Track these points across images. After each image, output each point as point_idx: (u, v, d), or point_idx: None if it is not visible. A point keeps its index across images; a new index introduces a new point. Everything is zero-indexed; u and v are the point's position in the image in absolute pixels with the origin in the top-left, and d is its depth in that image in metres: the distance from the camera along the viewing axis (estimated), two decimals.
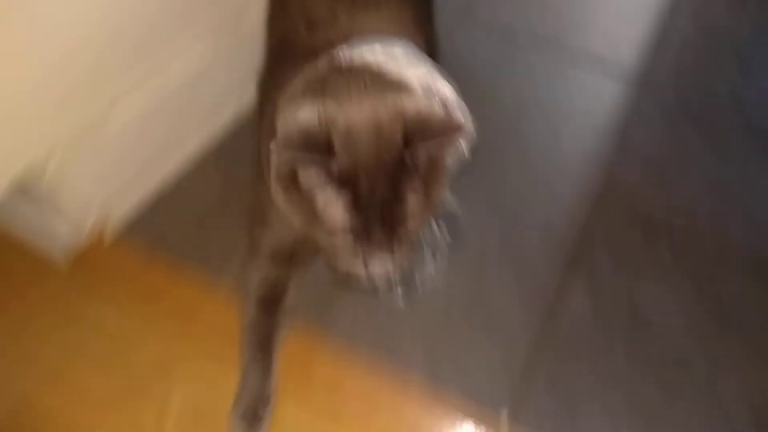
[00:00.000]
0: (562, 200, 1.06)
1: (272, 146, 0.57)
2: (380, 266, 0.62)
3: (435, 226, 0.86)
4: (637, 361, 0.87)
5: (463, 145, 0.61)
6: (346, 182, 0.57)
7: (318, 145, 0.57)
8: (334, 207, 0.59)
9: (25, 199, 0.85)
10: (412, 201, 0.59)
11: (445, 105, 0.63)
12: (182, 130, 1.01)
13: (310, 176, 0.58)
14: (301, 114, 0.60)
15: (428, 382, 0.82)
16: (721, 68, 1.31)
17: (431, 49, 0.80)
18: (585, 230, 1.01)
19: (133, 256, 0.92)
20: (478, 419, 0.79)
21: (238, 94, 1.04)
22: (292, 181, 0.60)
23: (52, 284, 0.89)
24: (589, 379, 0.85)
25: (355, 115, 0.59)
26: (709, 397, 0.84)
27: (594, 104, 1.23)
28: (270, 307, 0.79)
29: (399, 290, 0.78)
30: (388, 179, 0.58)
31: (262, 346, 0.77)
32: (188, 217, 0.96)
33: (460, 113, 0.65)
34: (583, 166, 1.12)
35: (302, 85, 0.64)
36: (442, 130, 0.58)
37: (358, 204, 0.58)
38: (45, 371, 0.81)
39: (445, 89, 0.66)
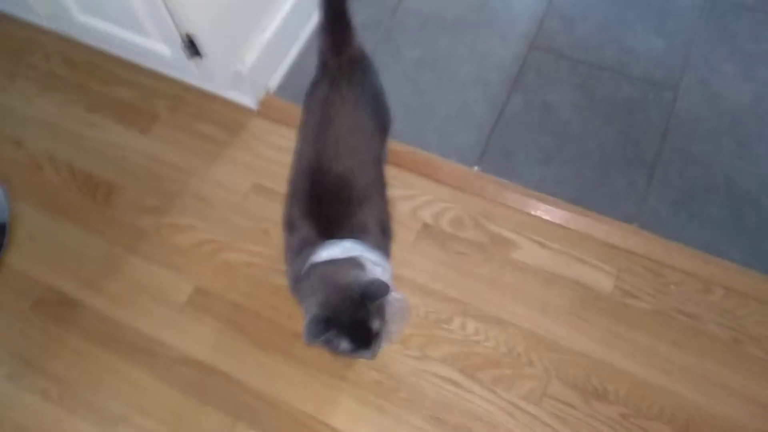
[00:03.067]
0: (511, 45, 1.85)
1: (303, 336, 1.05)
2: (368, 356, 1.13)
3: (397, 306, 1.23)
4: (546, 132, 1.72)
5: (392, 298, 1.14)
6: (345, 334, 1.07)
7: (325, 327, 1.05)
8: (344, 345, 1.09)
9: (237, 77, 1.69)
10: (375, 324, 1.08)
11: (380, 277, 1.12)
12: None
13: (329, 340, 1.08)
14: (308, 312, 1.09)
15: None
16: None
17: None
18: (524, 63, 1.82)
19: (287, 104, 1.78)
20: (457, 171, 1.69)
21: None
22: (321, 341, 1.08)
23: (254, 121, 1.77)
24: (520, 142, 1.71)
25: (334, 295, 1.08)
26: (581, 146, 1.71)
27: None
28: None
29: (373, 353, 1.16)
30: (363, 325, 1.08)
31: None
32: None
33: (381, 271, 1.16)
34: (525, 22, 1.89)
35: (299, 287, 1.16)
36: (382, 292, 1.06)
37: (353, 340, 1.08)
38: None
39: (378, 267, 1.16)
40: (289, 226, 1.25)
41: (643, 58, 1.79)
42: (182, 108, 1.79)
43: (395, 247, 1.39)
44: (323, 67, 1.30)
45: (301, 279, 1.17)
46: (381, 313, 1.10)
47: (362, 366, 1.43)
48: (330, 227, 1.18)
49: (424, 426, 1.38)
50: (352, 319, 1.07)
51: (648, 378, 1.40)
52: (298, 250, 1.20)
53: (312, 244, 1.17)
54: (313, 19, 1.80)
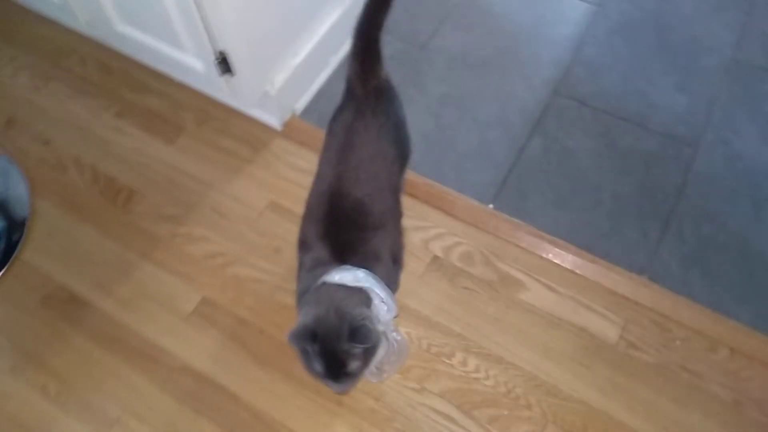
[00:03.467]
0: (535, 89, 1.88)
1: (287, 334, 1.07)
2: (338, 389, 1.13)
3: (395, 347, 1.25)
4: (563, 177, 1.74)
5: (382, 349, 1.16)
6: (322, 356, 1.07)
7: (309, 337, 1.06)
8: (319, 367, 1.08)
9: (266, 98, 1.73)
10: (352, 365, 1.07)
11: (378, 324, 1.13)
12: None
13: (306, 352, 1.09)
14: (302, 317, 1.10)
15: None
16: None
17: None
18: (546, 107, 1.85)
19: (311, 128, 1.81)
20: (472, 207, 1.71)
21: None
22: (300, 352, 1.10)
23: (277, 141, 1.80)
24: (536, 185, 1.72)
25: (330, 316, 1.08)
26: (597, 194, 1.71)
27: (563, 22, 2.00)
28: None
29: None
30: (341, 354, 1.07)
31: None
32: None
33: (388, 327, 1.18)
34: (551, 68, 1.93)
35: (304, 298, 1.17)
36: (370, 342, 1.07)
37: (327, 366, 1.07)
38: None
39: (384, 306, 1.15)
40: (304, 245, 1.27)
41: (665, 112, 1.80)
42: (208, 122, 1.83)
43: (403, 277, 1.40)
44: (349, 94, 1.32)
45: (305, 292, 1.18)
46: (366, 357, 1.10)
47: (359, 393, 1.43)
48: (344, 251, 1.20)
49: None
50: (331, 348, 1.07)
51: None
52: (311, 267, 1.22)
53: (325, 264, 1.19)
54: (344, 47, 1.85)
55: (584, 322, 1.51)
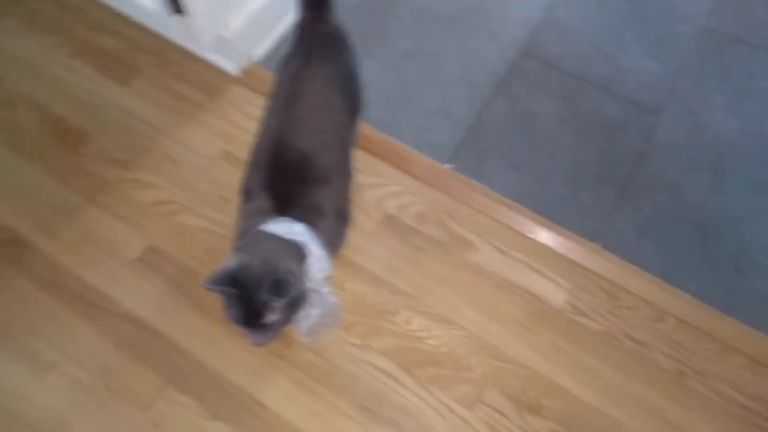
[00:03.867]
0: (502, 49, 1.84)
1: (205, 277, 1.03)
2: (253, 339, 1.11)
3: (327, 307, 1.21)
4: (523, 139, 1.70)
5: (316, 309, 1.15)
6: (240, 303, 1.04)
7: (229, 282, 1.03)
8: (236, 313, 1.06)
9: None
10: (270, 317, 1.05)
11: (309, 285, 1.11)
12: None
13: (225, 294, 1.06)
14: (226, 261, 1.07)
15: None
16: None
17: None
18: (512, 67, 1.80)
19: (270, 76, 1.76)
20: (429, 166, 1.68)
21: None
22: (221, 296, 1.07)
23: (234, 88, 1.75)
24: (495, 146, 1.69)
25: (255, 264, 1.05)
26: (556, 158, 1.69)
27: None
28: None
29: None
30: (259, 303, 1.04)
31: None
32: None
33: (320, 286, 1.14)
34: (519, 28, 1.88)
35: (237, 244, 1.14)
36: (293, 299, 1.05)
37: (244, 314, 1.05)
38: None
39: (317, 267, 1.13)
40: (247, 194, 1.23)
41: (632, 78, 1.77)
42: (164, 66, 1.77)
43: (354, 233, 1.38)
44: (299, 40, 1.28)
45: (240, 238, 1.16)
46: (286, 312, 1.08)
47: (300, 347, 1.42)
48: (286, 202, 1.17)
49: (353, 414, 1.36)
50: (250, 295, 1.04)
51: (585, 398, 1.39)
52: (251, 215, 1.19)
53: (265, 214, 1.16)
54: None
55: (532, 286, 1.50)
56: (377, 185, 1.61)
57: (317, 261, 1.14)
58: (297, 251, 1.12)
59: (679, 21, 1.87)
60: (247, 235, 1.14)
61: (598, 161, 1.65)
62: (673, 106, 1.73)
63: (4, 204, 1.58)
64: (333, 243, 1.24)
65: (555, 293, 1.49)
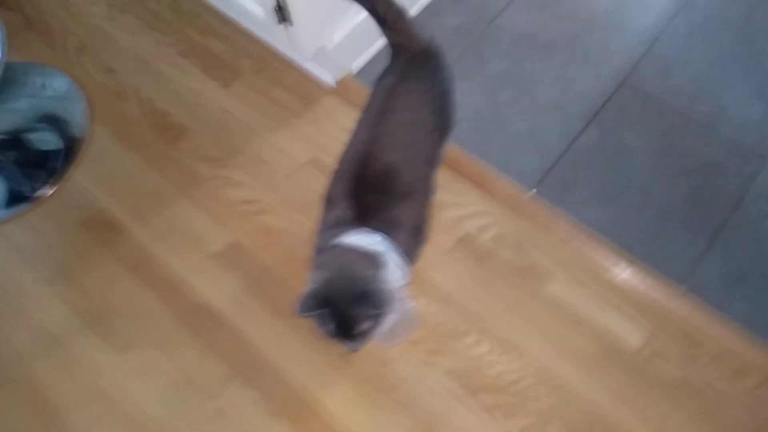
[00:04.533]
0: (601, 79, 1.80)
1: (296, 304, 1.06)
2: (348, 348, 1.14)
3: (405, 315, 1.24)
4: (614, 172, 1.66)
5: (394, 314, 1.13)
6: (332, 319, 1.07)
7: (319, 304, 1.07)
8: (329, 329, 1.09)
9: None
10: (364, 326, 1.08)
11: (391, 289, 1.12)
12: None
13: (318, 316, 1.09)
14: (312, 282, 1.10)
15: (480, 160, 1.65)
16: None
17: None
18: (609, 98, 1.76)
19: (364, 89, 1.80)
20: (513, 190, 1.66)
21: None
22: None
23: (329, 98, 1.80)
24: (584, 177, 1.65)
25: (341, 280, 1.09)
26: (647, 194, 1.63)
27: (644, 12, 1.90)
28: None
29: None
30: (352, 320, 1.08)
31: None
32: None
33: (399, 294, 1.15)
34: (621, 59, 1.84)
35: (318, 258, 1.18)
36: (380, 306, 1.07)
37: (338, 327, 1.08)
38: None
39: (396, 275, 1.14)
40: (328, 201, 1.26)
41: (737, 120, 1.70)
42: (265, 71, 1.84)
43: (430, 251, 1.38)
44: (396, 56, 1.31)
45: (322, 252, 1.18)
46: (377, 318, 1.10)
47: (368, 356, 1.43)
48: (366, 214, 1.18)
49: (412, 429, 1.36)
50: (344, 311, 1.07)
51: None
52: (331, 225, 1.21)
53: (345, 224, 1.18)
54: (410, 10, 1.81)
55: (609, 323, 1.46)
56: (459, 204, 1.61)
57: (395, 269, 1.15)
58: (377, 260, 1.13)
59: None
60: (326, 250, 1.16)
61: (692, 202, 1.59)
62: None
63: (105, 188, 1.68)
64: (407, 257, 1.25)
65: (632, 332, 1.44)
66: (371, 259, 1.13)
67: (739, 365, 1.40)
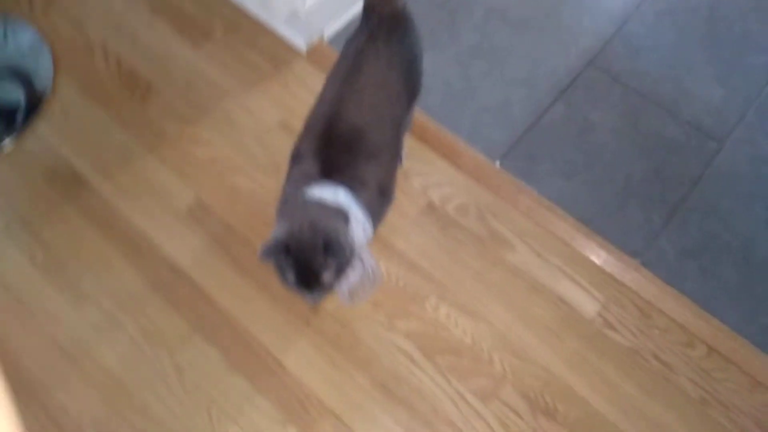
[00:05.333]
0: (569, 57, 1.83)
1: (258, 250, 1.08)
2: (309, 299, 1.16)
3: (367, 270, 1.30)
4: (578, 148, 1.70)
5: (357, 271, 1.19)
6: (295, 269, 1.10)
7: (281, 251, 1.09)
8: (292, 279, 1.11)
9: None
10: (325, 276, 1.09)
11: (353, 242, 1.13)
12: None
13: (279, 265, 1.12)
14: (275, 232, 1.12)
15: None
16: None
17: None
18: (577, 76, 1.79)
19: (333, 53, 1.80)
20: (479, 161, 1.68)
21: None
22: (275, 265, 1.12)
23: (300, 62, 1.80)
24: (548, 151, 1.68)
25: (304, 229, 1.09)
26: (608, 171, 1.67)
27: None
28: None
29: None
30: (315, 269, 1.10)
31: None
32: None
33: (361, 251, 1.19)
34: (590, 38, 1.87)
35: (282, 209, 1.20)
36: (342, 257, 1.09)
37: (299, 276, 1.10)
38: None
39: (359, 230, 1.16)
40: (296, 157, 1.27)
41: (698, 103, 1.74)
42: (237, 32, 1.83)
43: (395, 217, 1.40)
44: (365, 19, 1.31)
45: (286, 203, 1.19)
46: (339, 270, 1.12)
47: (328, 317, 1.45)
48: (332, 171, 1.19)
49: (369, 390, 1.38)
50: (305, 259, 1.09)
51: (603, 411, 1.37)
52: (297, 180, 1.22)
53: (311, 178, 1.19)
54: None
55: (565, 293, 1.49)
56: (424, 173, 1.63)
57: (359, 225, 1.16)
58: (340, 214, 1.14)
59: (754, 51, 1.83)
60: (291, 202, 1.17)
61: (651, 180, 1.63)
62: (735, 135, 1.69)
63: (69, 143, 1.66)
64: (373, 217, 1.26)
65: (587, 303, 1.48)
66: (335, 212, 1.14)
67: (687, 338, 1.45)
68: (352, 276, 1.21)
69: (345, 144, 1.21)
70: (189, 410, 1.35)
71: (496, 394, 1.38)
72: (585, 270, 1.52)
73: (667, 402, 1.39)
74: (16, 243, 1.53)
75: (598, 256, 1.53)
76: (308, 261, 1.09)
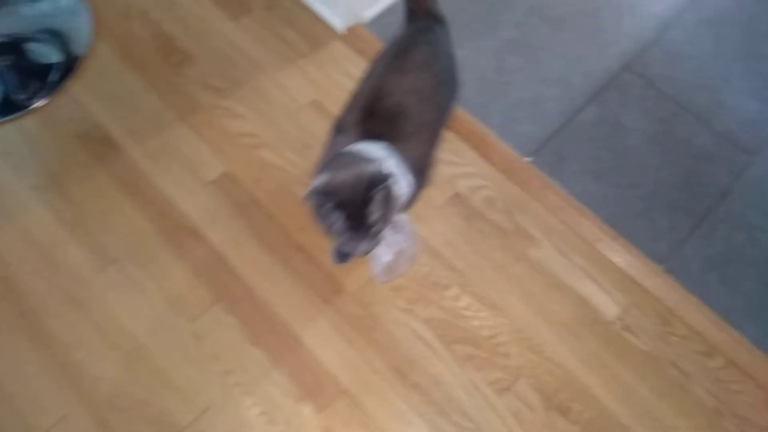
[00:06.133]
0: (606, 59, 1.82)
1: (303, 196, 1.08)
2: (357, 249, 1.17)
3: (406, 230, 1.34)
4: (608, 150, 1.69)
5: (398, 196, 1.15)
6: (340, 212, 1.08)
7: (329, 195, 1.07)
8: (337, 221, 1.09)
9: None
10: (373, 216, 1.08)
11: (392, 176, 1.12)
12: None
13: (324, 210, 1.09)
14: (321, 178, 1.09)
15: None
16: None
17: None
18: (612, 79, 1.79)
19: (373, 39, 1.80)
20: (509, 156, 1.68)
21: None
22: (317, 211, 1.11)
23: (337, 44, 1.80)
24: (579, 151, 1.69)
25: (346, 176, 1.09)
26: (637, 175, 1.67)
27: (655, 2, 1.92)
28: None
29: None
30: (362, 206, 1.08)
31: None
32: None
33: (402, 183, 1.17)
34: (629, 42, 1.86)
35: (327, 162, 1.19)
36: (388, 204, 1.10)
37: (348, 219, 1.09)
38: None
39: (401, 183, 1.16)
40: (339, 128, 1.27)
41: (732, 115, 1.73)
42: (276, 9, 1.83)
43: (421, 204, 1.39)
44: (411, 16, 1.37)
45: (328, 161, 1.20)
46: (384, 206, 1.10)
47: (348, 297, 1.45)
48: (374, 139, 1.19)
49: (385, 372, 1.38)
50: (353, 200, 1.08)
51: (616, 413, 1.37)
52: (339, 144, 1.22)
53: (353, 143, 1.19)
54: None
55: (587, 293, 1.49)
56: (454, 163, 1.63)
57: (401, 177, 1.16)
58: (383, 165, 1.14)
59: None
60: (334, 158, 1.18)
61: (679, 187, 1.62)
62: None
63: (104, 105, 1.67)
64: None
65: (608, 305, 1.48)
66: (379, 164, 1.14)
67: (706, 348, 1.45)
68: (388, 251, 1.21)
69: (387, 119, 1.21)
70: (206, 378, 1.36)
71: (511, 387, 1.38)
72: (608, 272, 1.51)
73: (682, 409, 1.38)
74: (44, 199, 1.53)
75: (621, 258, 1.53)
76: (356, 203, 1.08)
